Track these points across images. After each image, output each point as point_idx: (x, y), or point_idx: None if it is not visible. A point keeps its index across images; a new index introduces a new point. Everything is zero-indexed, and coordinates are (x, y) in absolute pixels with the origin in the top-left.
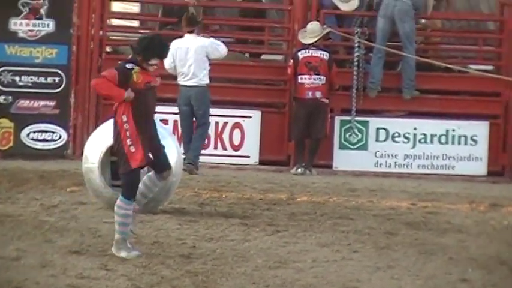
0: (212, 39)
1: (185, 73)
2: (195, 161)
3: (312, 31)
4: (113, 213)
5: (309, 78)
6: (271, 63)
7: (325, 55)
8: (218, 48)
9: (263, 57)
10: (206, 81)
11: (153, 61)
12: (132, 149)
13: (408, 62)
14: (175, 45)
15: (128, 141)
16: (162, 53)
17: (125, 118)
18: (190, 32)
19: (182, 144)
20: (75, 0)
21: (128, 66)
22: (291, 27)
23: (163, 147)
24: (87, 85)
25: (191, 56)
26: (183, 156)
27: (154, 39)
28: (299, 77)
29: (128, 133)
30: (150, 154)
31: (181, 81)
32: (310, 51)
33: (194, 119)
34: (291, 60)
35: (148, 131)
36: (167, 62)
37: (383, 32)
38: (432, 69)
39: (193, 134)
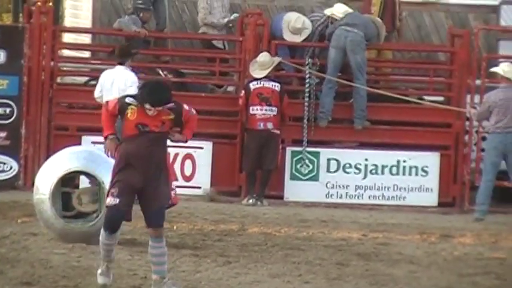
0: (134, 80)
1: None
2: None
3: (263, 64)
4: (64, 244)
5: (261, 110)
6: (223, 94)
7: (276, 86)
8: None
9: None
10: None
11: (147, 106)
12: (109, 185)
13: (359, 93)
14: (104, 75)
15: (111, 176)
16: (151, 100)
17: (116, 154)
18: (121, 63)
19: None
20: (26, 31)
21: (128, 100)
22: (242, 58)
23: (161, 204)
24: (38, 116)
25: (115, 87)
26: None
27: (146, 86)
28: (251, 108)
29: (114, 165)
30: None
31: None
32: (262, 82)
33: None
34: (243, 91)
35: (131, 169)
36: (96, 91)
37: (335, 62)
38: (383, 100)
39: None
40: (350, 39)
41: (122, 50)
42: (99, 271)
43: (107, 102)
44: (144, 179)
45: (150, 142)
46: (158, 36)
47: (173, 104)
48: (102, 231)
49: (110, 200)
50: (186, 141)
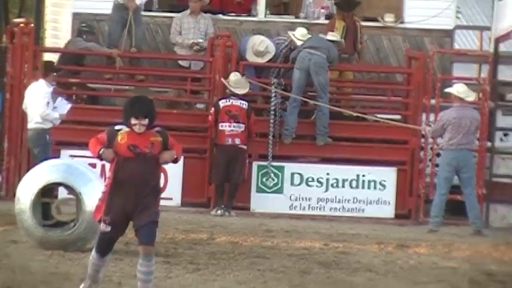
0: (46, 91)
1: (29, 116)
2: None
3: (237, 82)
4: (43, 251)
5: (229, 126)
6: (194, 112)
7: (244, 104)
8: (40, 104)
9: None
10: (41, 125)
11: (132, 121)
12: (99, 202)
13: (322, 111)
14: (28, 89)
15: (101, 195)
16: (134, 111)
17: (108, 174)
18: (44, 77)
19: None
20: (9, 51)
21: (117, 127)
22: (212, 77)
23: (151, 223)
24: (20, 131)
25: (34, 100)
26: None
27: (128, 101)
28: (220, 124)
29: (104, 187)
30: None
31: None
32: (231, 100)
33: None
34: (212, 109)
35: (125, 196)
36: (24, 105)
37: (299, 82)
38: (344, 118)
39: None
40: (313, 61)
41: (47, 66)
42: (81, 287)
43: (96, 135)
44: (136, 202)
45: (142, 165)
46: (131, 56)
47: (159, 128)
48: (93, 252)
49: (103, 227)
50: (176, 161)
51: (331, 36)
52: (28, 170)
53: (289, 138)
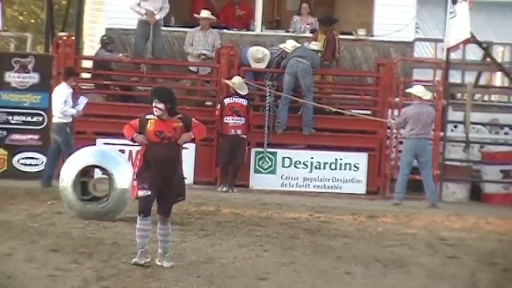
0: (67, 92)
1: (54, 113)
2: None
3: (240, 84)
4: (82, 220)
5: (232, 119)
6: (204, 107)
7: (244, 102)
8: (61, 103)
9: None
10: (63, 120)
11: (154, 104)
12: (134, 183)
13: (307, 107)
14: (53, 92)
15: (134, 175)
16: (156, 95)
17: (139, 156)
18: (65, 80)
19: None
20: (54, 59)
21: (147, 116)
22: (218, 80)
23: (172, 200)
24: None
25: (56, 100)
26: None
27: (152, 89)
28: (224, 118)
29: (136, 169)
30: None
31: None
32: (233, 98)
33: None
34: (219, 105)
35: (154, 174)
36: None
37: (288, 84)
38: (325, 113)
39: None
40: (300, 67)
41: (66, 70)
42: (135, 259)
43: (130, 122)
44: (162, 180)
45: (166, 148)
46: (153, 63)
47: (182, 115)
48: (138, 219)
49: (143, 193)
50: (194, 140)
51: (314, 45)
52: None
53: (280, 129)
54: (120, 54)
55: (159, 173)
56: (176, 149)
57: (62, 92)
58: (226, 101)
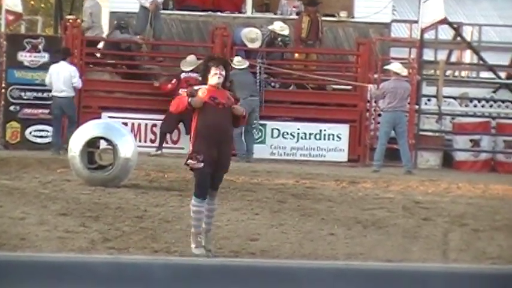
0: (75, 70)
1: (58, 88)
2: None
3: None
4: (89, 187)
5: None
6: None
7: (199, 77)
8: (73, 78)
9: None
10: (72, 93)
11: (213, 71)
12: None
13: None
14: (52, 68)
15: (191, 145)
16: (214, 62)
17: (194, 124)
18: (64, 59)
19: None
20: (63, 40)
21: (196, 87)
22: None
23: (225, 172)
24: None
25: (61, 77)
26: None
27: (207, 57)
28: (180, 90)
29: (193, 137)
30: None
31: (55, 93)
32: (189, 73)
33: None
34: (174, 79)
35: (208, 142)
36: (47, 80)
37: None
38: (311, 88)
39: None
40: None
41: (65, 50)
42: (193, 245)
43: (178, 96)
44: (217, 148)
45: (220, 115)
46: (153, 43)
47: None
48: (193, 200)
49: (196, 165)
50: (244, 117)
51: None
52: (78, 127)
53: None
54: (138, 37)
55: (214, 141)
56: (230, 117)
57: (68, 69)
58: (183, 75)
